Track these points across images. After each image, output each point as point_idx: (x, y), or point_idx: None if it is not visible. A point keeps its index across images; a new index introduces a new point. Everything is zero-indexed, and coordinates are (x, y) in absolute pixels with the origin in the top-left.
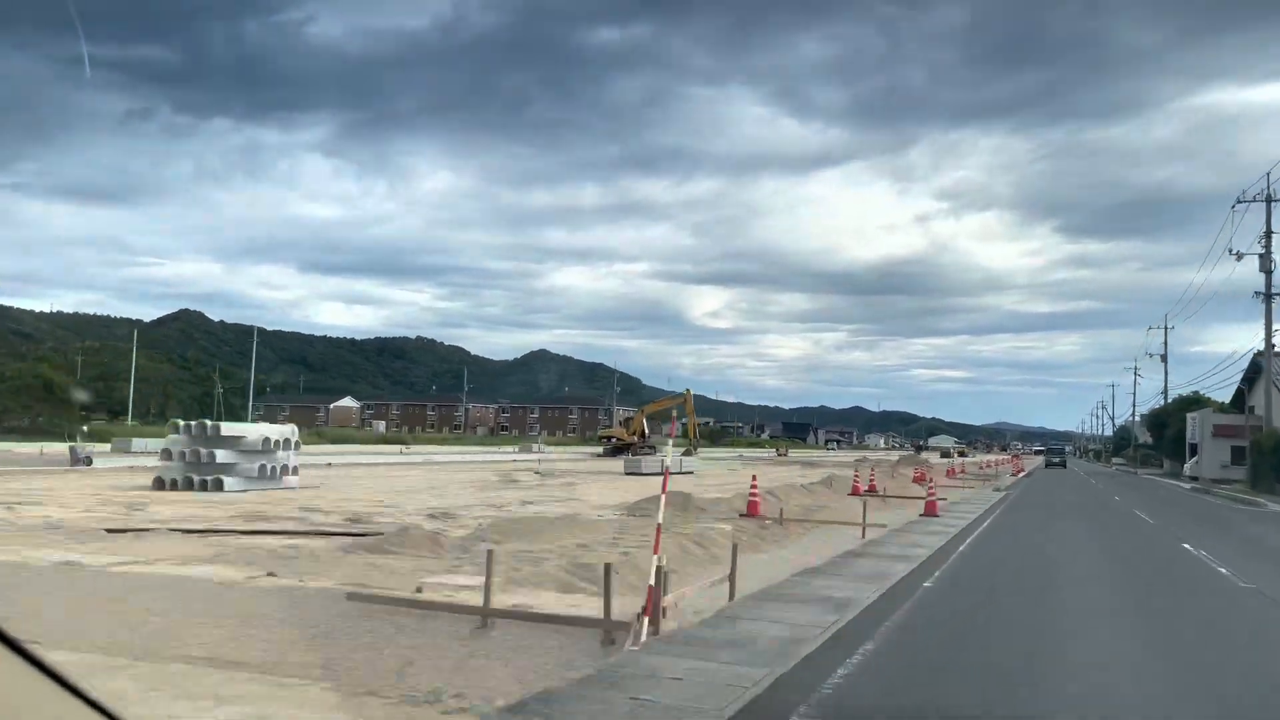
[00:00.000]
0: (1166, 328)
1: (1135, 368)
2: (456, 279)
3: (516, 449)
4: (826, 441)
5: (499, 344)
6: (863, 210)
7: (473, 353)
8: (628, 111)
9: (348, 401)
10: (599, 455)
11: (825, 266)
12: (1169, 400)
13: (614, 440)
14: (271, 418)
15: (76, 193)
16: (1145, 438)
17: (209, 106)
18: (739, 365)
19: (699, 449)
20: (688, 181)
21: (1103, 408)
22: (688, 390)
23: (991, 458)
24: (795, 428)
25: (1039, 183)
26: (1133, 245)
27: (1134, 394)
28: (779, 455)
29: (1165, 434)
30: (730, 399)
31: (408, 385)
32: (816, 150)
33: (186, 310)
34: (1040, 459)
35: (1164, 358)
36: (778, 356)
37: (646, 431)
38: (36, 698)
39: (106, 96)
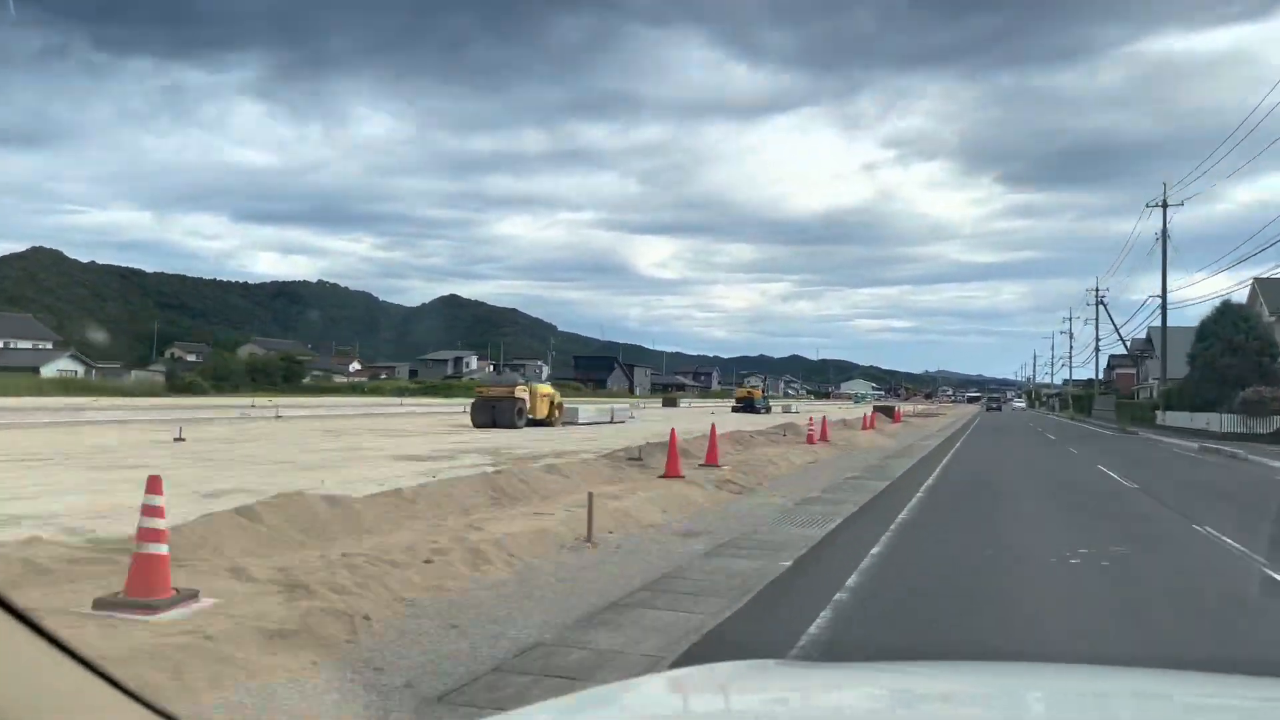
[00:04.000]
0: (1097, 292)
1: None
2: (398, 228)
3: None
4: (638, 387)
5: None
6: (811, 158)
7: (380, 299)
8: (570, 54)
9: None
10: None
11: (772, 216)
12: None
13: None
14: None
15: None
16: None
17: (130, 44)
18: (686, 316)
19: None
20: (634, 128)
21: (1070, 336)
22: None
23: (862, 412)
24: (593, 362)
25: (984, 130)
26: (1072, 195)
27: (1070, 346)
28: None
29: None
30: (671, 348)
31: (299, 334)
32: (765, 95)
33: (40, 248)
34: (973, 408)
35: (1101, 302)
36: (724, 307)
37: None
38: (54, 678)
39: (19, 31)
